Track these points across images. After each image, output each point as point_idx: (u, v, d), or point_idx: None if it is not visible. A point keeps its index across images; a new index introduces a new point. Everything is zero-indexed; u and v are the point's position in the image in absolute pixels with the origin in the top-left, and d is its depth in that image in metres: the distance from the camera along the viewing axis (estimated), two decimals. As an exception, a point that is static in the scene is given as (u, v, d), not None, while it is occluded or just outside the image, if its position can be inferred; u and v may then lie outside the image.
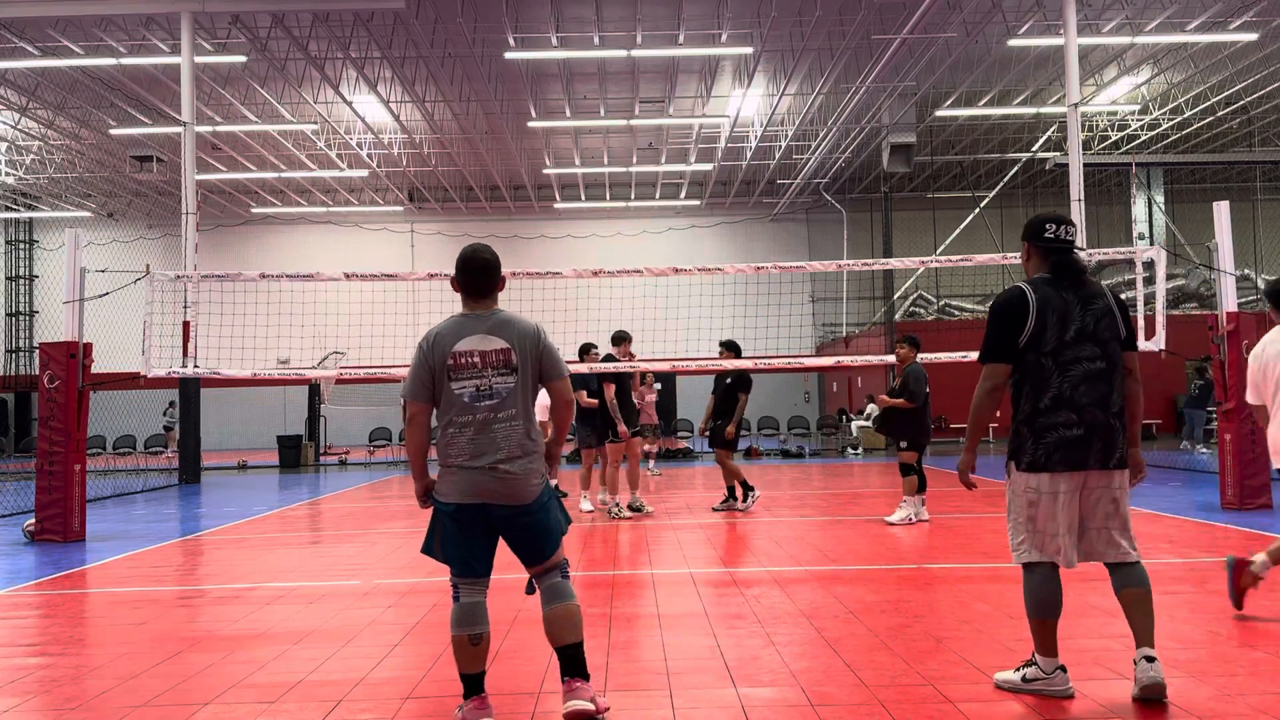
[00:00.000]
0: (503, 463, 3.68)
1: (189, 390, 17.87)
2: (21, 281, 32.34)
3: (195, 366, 12.33)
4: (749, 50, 18.88)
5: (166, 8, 17.01)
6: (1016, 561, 3.97)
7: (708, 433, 10.74)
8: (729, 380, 10.48)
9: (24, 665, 4.84)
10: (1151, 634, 3.84)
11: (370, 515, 11.48)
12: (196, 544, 9.41)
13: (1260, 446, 10.05)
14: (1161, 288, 10.93)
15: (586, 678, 3.75)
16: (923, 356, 10.89)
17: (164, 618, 5.88)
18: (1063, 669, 3.91)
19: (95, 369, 10.23)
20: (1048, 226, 3.99)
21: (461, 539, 3.73)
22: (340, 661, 4.77)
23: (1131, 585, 3.87)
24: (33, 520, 9.71)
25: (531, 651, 4.83)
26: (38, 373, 10.10)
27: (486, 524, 3.74)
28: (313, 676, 4.51)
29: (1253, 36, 18.49)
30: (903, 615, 5.45)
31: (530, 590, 3.86)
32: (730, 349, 10.61)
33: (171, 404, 26.45)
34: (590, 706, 3.67)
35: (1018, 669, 4.03)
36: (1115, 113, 25.23)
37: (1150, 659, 3.78)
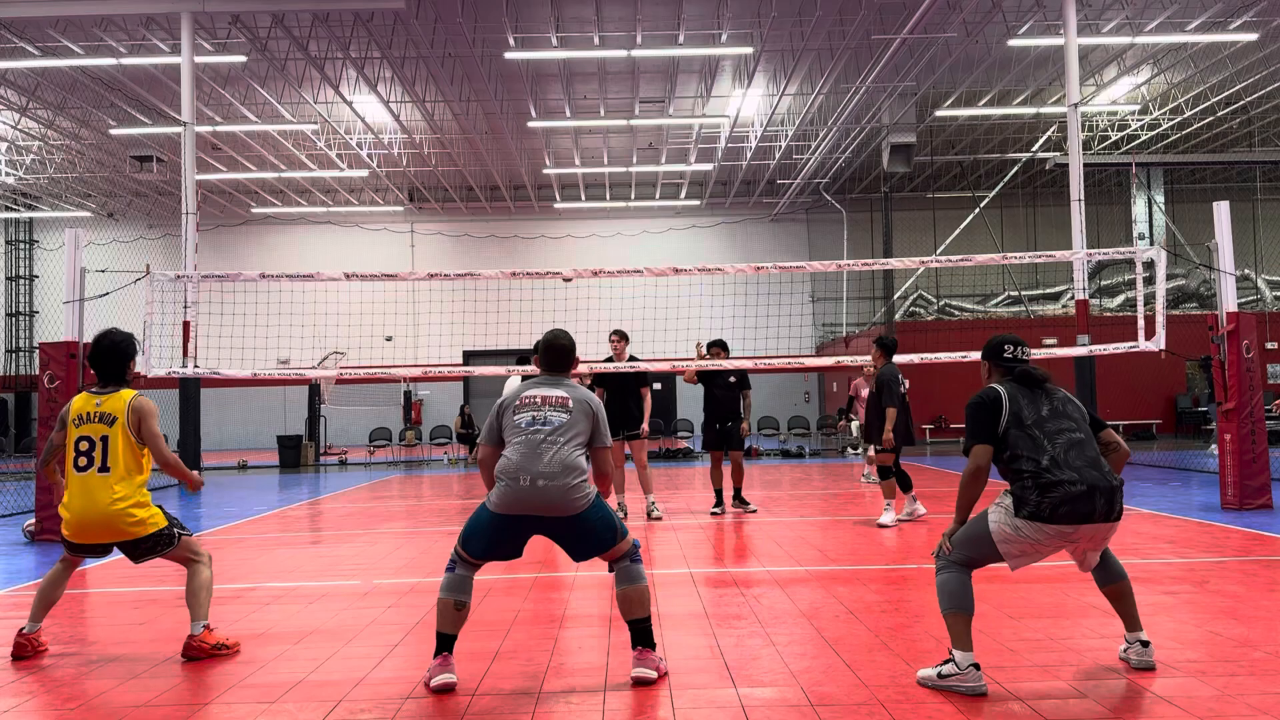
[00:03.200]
0: (543, 478, 4.22)
1: (189, 390, 17.86)
2: (21, 281, 32.34)
3: (195, 366, 12.34)
4: (749, 50, 18.88)
5: (166, 8, 17.01)
6: (939, 562, 4.24)
7: (717, 431, 10.50)
8: (733, 379, 10.45)
9: (24, 665, 4.84)
10: (1139, 618, 4.33)
11: (370, 515, 11.48)
12: (196, 544, 9.40)
13: (1261, 446, 10.05)
14: (1161, 288, 10.92)
15: (652, 647, 4.35)
16: (924, 356, 10.89)
17: (164, 618, 5.88)
18: (976, 666, 4.01)
19: (95, 369, 10.22)
20: (1005, 348, 4.40)
21: (494, 538, 4.31)
22: (340, 661, 4.77)
23: (1114, 580, 4.30)
24: (33, 520, 9.71)
25: (531, 651, 4.83)
26: (38, 373, 10.10)
27: (524, 532, 4.34)
28: (313, 676, 4.52)
29: (1253, 36, 18.49)
30: (903, 615, 5.45)
31: (611, 569, 4.45)
32: (723, 347, 10.57)
33: None
34: (653, 674, 4.28)
35: (936, 666, 4.14)
36: (1115, 113, 25.24)
37: (1145, 643, 4.28)
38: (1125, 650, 4.35)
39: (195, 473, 5.29)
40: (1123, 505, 4.12)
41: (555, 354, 4.61)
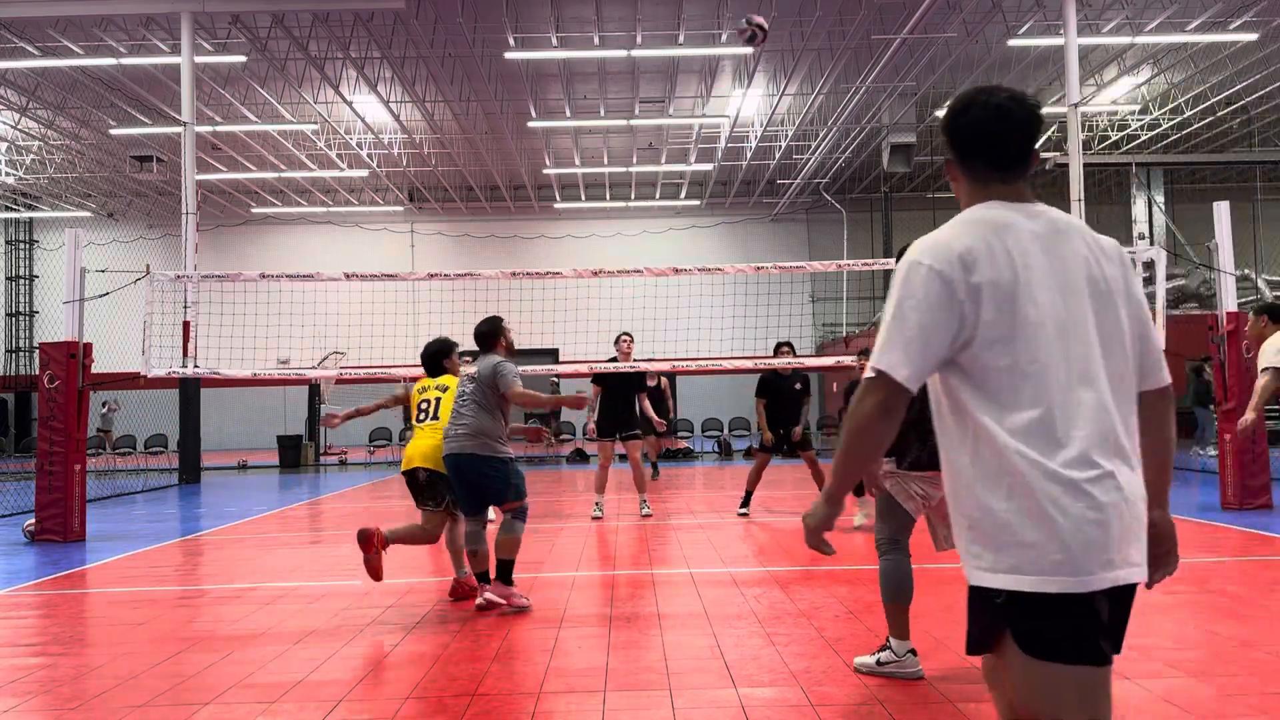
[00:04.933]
0: (461, 430, 5.77)
1: (189, 390, 17.86)
2: (21, 281, 32.31)
3: (195, 366, 12.31)
4: (749, 50, 18.87)
5: (166, 8, 16.99)
6: (879, 548, 4.37)
7: (780, 440, 10.33)
8: (798, 385, 10.38)
9: (24, 665, 4.84)
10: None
11: (370, 515, 11.48)
12: (196, 544, 9.41)
13: (1260, 446, 10.04)
14: (1161, 288, 10.91)
15: (508, 583, 5.78)
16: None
17: (164, 618, 5.88)
18: (913, 652, 4.19)
19: (95, 369, 10.23)
20: None
21: (456, 485, 5.88)
22: (340, 661, 4.77)
23: None
24: (33, 520, 9.71)
25: (532, 652, 4.83)
26: (38, 373, 10.10)
27: (462, 473, 5.77)
28: (313, 676, 4.52)
29: (1253, 36, 18.48)
30: (903, 615, 5.45)
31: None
32: (790, 348, 10.55)
33: (105, 404, 25.98)
34: (501, 601, 5.71)
35: (873, 654, 4.31)
36: (1115, 113, 25.22)
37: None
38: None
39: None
40: None
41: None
